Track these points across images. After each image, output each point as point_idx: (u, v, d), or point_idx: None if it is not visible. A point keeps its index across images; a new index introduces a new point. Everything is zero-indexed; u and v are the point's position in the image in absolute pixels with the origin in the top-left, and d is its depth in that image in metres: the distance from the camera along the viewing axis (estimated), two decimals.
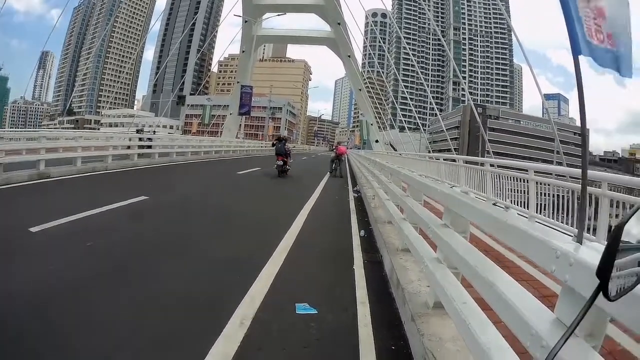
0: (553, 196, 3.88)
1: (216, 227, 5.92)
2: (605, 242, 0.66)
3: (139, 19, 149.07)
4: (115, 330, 2.51)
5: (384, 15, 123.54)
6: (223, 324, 2.67)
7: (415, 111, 35.65)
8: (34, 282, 3.18)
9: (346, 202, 9.31)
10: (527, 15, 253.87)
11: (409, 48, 79.82)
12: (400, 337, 2.71)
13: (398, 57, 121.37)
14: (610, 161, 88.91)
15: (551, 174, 4.56)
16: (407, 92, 73.44)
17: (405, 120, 41.12)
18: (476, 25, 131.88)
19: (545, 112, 78.94)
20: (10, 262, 3.61)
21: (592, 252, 1.21)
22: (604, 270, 0.65)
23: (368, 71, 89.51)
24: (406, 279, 3.42)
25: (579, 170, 1.60)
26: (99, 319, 2.65)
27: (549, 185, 4.16)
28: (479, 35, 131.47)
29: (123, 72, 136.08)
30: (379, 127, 42.13)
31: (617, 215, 3.03)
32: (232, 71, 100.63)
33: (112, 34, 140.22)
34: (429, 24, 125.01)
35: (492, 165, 5.45)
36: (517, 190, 4.59)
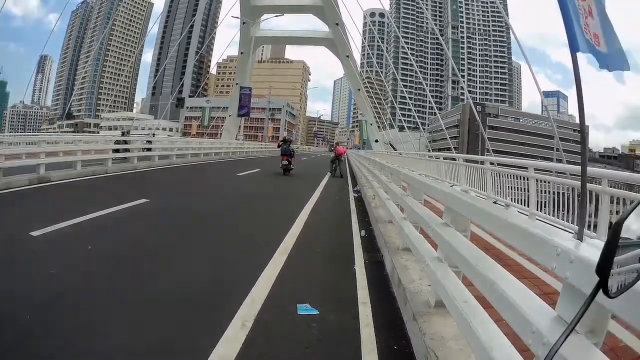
0: (553, 193, 3.87)
1: (216, 228, 5.91)
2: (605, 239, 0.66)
3: (137, 22, 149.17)
4: (116, 332, 2.51)
5: (382, 15, 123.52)
6: (225, 324, 2.67)
7: (415, 110, 35.56)
8: (36, 285, 3.18)
9: (346, 202, 9.31)
10: (525, 12, 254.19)
11: (408, 47, 79.43)
12: (402, 337, 2.71)
13: (397, 56, 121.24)
14: (610, 157, 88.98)
15: (551, 171, 4.55)
16: (406, 91, 73.19)
17: (404, 120, 41.05)
18: (474, 24, 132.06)
19: (544, 110, 78.94)
20: (12, 265, 3.63)
21: (593, 249, 1.21)
22: (604, 267, 0.64)
23: (367, 71, 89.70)
24: (407, 278, 3.42)
25: (579, 167, 1.59)
26: (101, 322, 2.65)
27: (549, 182, 4.16)
28: (477, 34, 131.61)
29: (122, 75, 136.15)
30: (379, 127, 42.00)
31: (617, 212, 3.02)
32: (230, 73, 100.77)
33: (111, 37, 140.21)
34: (427, 23, 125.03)
35: (492, 164, 5.44)
36: (518, 188, 4.59)
